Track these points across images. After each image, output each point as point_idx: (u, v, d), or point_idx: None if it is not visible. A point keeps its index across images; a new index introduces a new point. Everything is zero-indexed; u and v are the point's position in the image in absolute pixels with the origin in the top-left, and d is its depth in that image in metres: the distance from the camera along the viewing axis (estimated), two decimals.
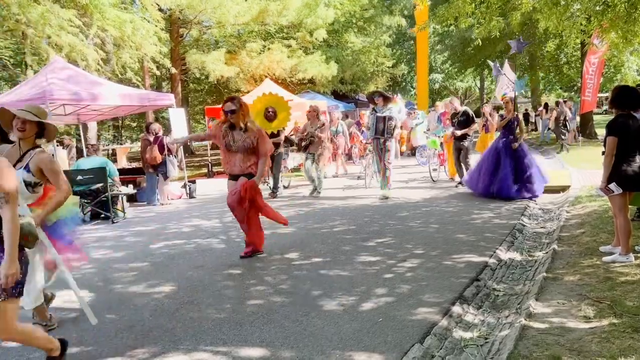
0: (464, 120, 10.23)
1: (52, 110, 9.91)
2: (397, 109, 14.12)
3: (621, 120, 4.75)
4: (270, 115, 9.76)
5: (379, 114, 9.27)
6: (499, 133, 9.30)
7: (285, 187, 11.79)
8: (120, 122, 31.42)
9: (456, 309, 3.93)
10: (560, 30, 9.28)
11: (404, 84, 40.68)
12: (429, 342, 3.33)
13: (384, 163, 9.45)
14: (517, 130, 8.88)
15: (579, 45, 17.28)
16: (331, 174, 13.77)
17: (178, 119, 11.88)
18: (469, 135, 10.42)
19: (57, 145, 12.39)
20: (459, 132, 10.13)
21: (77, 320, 4.08)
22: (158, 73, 19.75)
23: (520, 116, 11.65)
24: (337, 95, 27.54)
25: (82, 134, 14.80)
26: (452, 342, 3.41)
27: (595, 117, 22.52)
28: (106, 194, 9.01)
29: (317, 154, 10.49)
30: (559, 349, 3.08)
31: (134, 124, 32.88)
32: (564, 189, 9.29)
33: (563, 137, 17.23)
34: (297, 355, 3.23)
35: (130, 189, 10.20)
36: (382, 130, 9.27)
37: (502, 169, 8.57)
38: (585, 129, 20.09)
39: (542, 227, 6.89)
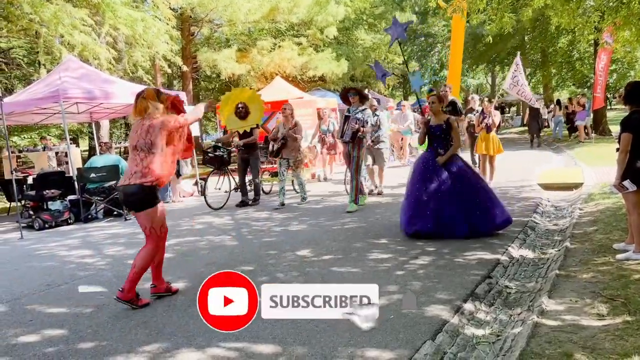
0: (449, 112, 8.62)
1: (66, 108, 10.02)
2: (403, 115, 13.84)
3: (636, 117, 4.71)
4: (241, 112, 8.76)
5: (348, 114, 8.10)
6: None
7: (265, 193, 10.93)
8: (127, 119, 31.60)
9: (468, 306, 3.92)
10: (572, 27, 9.18)
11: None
12: (440, 339, 3.33)
13: (352, 172, 8.19)
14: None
15: (592, 41, 17.11)
16: (322, 177, 12.83)
17: None
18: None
19: (71, 144, 12.53)
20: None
21: (92, 315, 4.13)
22: (169, 71, 19.88)
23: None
24: None
25: (94, 132, 14.94)
26: (463, 339, 3.41)
27: (609, 114, 22.32)
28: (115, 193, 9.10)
29: (292, 159, 9.15)
30: (571, 346, 3.07)
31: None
32: (576, 186, 9.22)
33: (537, 134, 18.82)
34: (309, 351, 3.25)
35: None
36: (351, 134, 7.99)
37: (444, 201, 5.99)
38: (598, 126, 19.90)
39: (554, 225, 6.85)
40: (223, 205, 9.40)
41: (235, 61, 20.01)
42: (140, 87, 12.12)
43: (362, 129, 7.92)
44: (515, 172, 11.43)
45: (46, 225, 8.65)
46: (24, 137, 21.39)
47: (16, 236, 7.91)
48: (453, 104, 9.13)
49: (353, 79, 26.15)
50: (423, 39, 37.26)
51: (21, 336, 3.76)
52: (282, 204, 8.99)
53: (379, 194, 9.62)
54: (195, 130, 12.01)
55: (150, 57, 16.86)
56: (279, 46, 21.33)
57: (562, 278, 4.38)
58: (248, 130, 9.08)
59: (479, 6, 8.88)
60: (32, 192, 9.36)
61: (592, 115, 19.71)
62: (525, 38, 25.56)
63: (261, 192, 10.17)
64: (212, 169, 10.26)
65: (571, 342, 3.12)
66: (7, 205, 11.32)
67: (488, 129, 9.42)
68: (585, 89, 29.19)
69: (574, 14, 8.23)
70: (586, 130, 18.76)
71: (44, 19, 12.90)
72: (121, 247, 6.74)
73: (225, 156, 9.83)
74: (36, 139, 20.28)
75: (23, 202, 9.51)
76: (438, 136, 6.33)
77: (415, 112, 15.50)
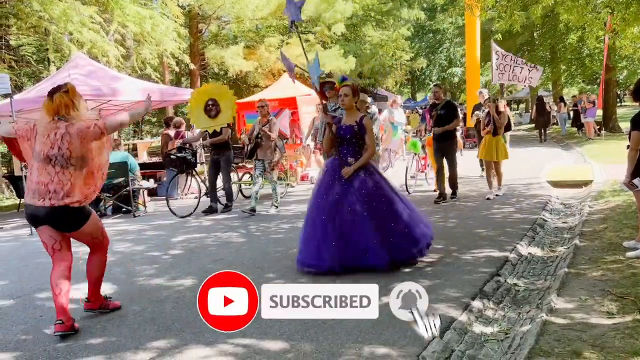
0: (444, 115, 8.13)
1: None
2: (397, 113, 13.27)
3: None
4: (211, 110, 8.09)
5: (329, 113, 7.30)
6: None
7: (246, 197, 9.99)
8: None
9: (476, 303, 3.91)
10: (582, 24, 9.09)
11: (422, 77, 40.41)
12: (448, 336, 3.32)
13: None
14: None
15: (602, 37, 16.97)
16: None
17: None
18: (454, 134, 8.63)
19: None
20: (439, 130, 8.12)
21: (101, 311, 4.15)
22: (177, 69, 19.93)
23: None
24: None
25: None
26: (472, 336, 3.40)
27: (619, 111, 22.15)
28: (127, 188, 9.14)
29: (267, 160, 8.26)
30: (581, 344, 3.05)
31: (154, 119, 33.21)
32: (586, 183, 9.15)
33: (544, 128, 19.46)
34: (317, 348, 3.25)
35: (151, 183, 10.33)
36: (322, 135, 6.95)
37: (354, 224, 4.75)
38: (609, 123, 19.75)
39: (563, 222, 6.81)
40: (191, 213, 8.54)
41: (243, 58, 20.02)
42: (149, 85, 12.21)
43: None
44: (524, 170, 11.37)
45: None
46: None
47: (26, 232, 7.97)
48: (448, 105, 8.34)
49: (361, 76, 26.07)
50: (431, 35, 37.16)
51: (31, 331, 3.79)
52: (253, 210, 8.02)
53: None
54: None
55: (158, 55, 16.91)
56: (287, 43, 21.31)
57: (572, 276, 4.35)
58: (218, 130, 8.33)
59: (488, 3, 8.82)
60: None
61: (600, 112, 19.61)
62: (535, 34, 25.38)
63: (238, 196, 9.50)
64: (174, 173, 9.44)
65: (580, 341, 3.11)
66: (17, 201, 11.40)
67: (494, 131, 8.41)
68: (595, 86, 28.98)
69: (584, 11, 8.16)
70: (593, 127, 18.67)
71: (53, 16, 12.97)
72: (130, 243, 6.77)
73: (190, 158, 8.93)
74: None
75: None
76: (348, 140, 4.93)
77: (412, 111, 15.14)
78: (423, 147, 9.76)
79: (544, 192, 8.66)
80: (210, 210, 8.57)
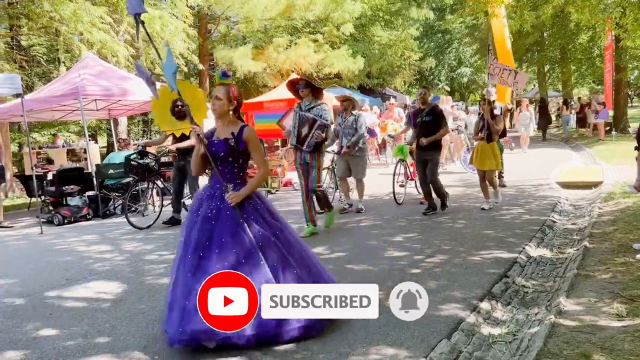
0: (431, 122, 7.30)
1: (85, 105, 10.16)
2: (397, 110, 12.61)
3: None
4: (179, 111, 7.36)
5: (302, 112, 6.39)
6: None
7: None
8: (149, 117, 31.97)
9: (484, 305, 3.90)
10: (593, 24, 9.01)
11: (431, 77, 40.28)
12: (456, 337, 3.32)
13: (307, 187, 6.50)
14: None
15: (613, 37, 16.85)
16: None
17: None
18: (440, 143, 7.65)
19: (90, 140, 12.70)
20: (424, 141, 7.27)
21: (110, 310, 4.18)
22: (186, 69, 20.00)
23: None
24: (364, 90, 27.43)
25: (112, 128, 15.11)
26: (480, 338, 3.39)
27: (630, 112, 21.99)
28: (137, 187, 9.18)
29: None
30: (590, 347, 3.03)
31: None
32: (596, 184, 9.09)
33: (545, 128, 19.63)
34: (324, 348, 3.25)
35: (160, 183, 10.37)
36: (304, 138, 6.33)
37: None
38: (619, 124, 19.60)
39: (572, 224, 6.76)
40: (152, 224, 7.81)
41: (251, 59, 20.04)
42: (158, 84, 12.24)
43: (322, 135, 6.36)
44: (533, 171, 11.32)
45: (65, 221, 8.76)
46: (44, 134, 21.72)
47: (36, 231, 8.03)
48: (434, 110, 7.38)
49: (369, 76, 26.04)
50: (440, 35, 37.04)
51: (41, 330, 3.82)
52: None
53: (358, 211, 7.92)
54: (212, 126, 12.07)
55: None
56: (295, 43, 21.32)
57: (581, 278, 4.32)
58: (187, 133, 7.56)
59: (498, 4, 8.78)
60: (52, 188, 9.50)
61: (611, 112, 19.54)
62: (545, 34, 25.24)
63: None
64: (134, 180, 8.51)
65: (589, 343, 3.09)
66: (28, 200, 11.50)
67: (488, 137, 7.61)
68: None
69: (595, 11, 8.10)
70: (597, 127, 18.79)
71: (63, 16, 13.06)
72: (139, 242, 6.81)
73: (152, 164, 8.18)
74: (51, 137, 20.59)
75: (43, 197, 9.64)
76: (222, 159, 3.63)
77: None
78: (411, 153, 8.61)
79: (553, 193, 8.61)
80: (172, 222, 7.77)
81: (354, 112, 7.78)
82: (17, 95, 9.83)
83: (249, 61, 19.71)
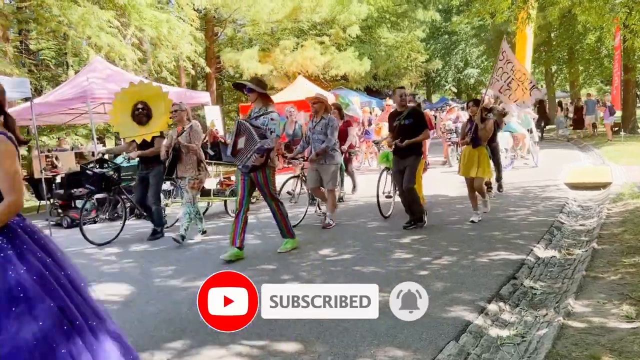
0: (410, 126, 6.49)
1: (93, 108, 10.24)
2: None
3: None
4: (140, 115, 6.82)
5: (241, 120, 5.78)
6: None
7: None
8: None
9: (492, 307, 3.88)
10: (600, 25, 8.95)
11: (438, 79, 40.22)
12: (464, 339, 3.31)
13: (241, 202, 5.69)
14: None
15: (620, 37, 16.77)
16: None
17: (213, 116, 12.07)
18: (421, 149, 6.81)
19: (98, 143, 12.78)
20: (404, 142, 6.45)
21: (118, 312, 4.20)
22: (193, 72, 20.12)
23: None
24: (370, 92, 27.47)
25: None
26: (488, 340, 3.38)
27: (638, 112, 21.87)
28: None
29: (189, 177, 6.58)
30: (599, 349, 3.01)
31: (170, 122, 33.55)
32: (604, 185, 9.03)
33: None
34: (331, 350, 3.26)
35: (167, 185, 10.41)
36: (239, 151, 5.52)
37: None
38: (628, 124, 19.50)
39: (581, 225, 6.72)
40: (112, 239, 7.05)
41: (258, 61, 20.15)
42: (166, 87, 12.32)
43: (261, 160, 5.46)
44: (540, 171, 11.26)
45: (74, 224, 8.82)
46: (53, 137, 21.88)
47: (45, 234, 8.08)
48: (415, 113, 6.63)
49: (376, 78, 26.09)
50: (447, 37, 36.99)
51: None
52: (182, 238, 6.50)
53: (326, 226, 7.04)
54: (219, 129, 12.08)
55: (174, 58, 17.09)
56: (302, 45, 21.39)
57: (589, 279, 4.30)
58: (149, 140, 6.89)
59: (503, 7, 8.74)
60: (61, 191, 9.55)
61: (620, 113, 19.50)
62: (552, 35, 25.14)
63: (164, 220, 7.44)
64: (90, 192, 7.59)
65: (598, 345, 3.07)
66: (37, 203, 11.59)
67: (475, 141, 6.88)
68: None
69: (602, 12, 8.05)
70: (601, 128, 18.88)
71: (72, 21, 13.19)
72: (147, 245, 6.84)
73: (112, 174, 7.39)
74: (57, 140, 20.72)
75: (52, 200, 9.71)
76: None
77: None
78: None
79: (561, 194, 8.56)
80: (155, 235, 7.16)
81: (324, 116, 6.95)
82: (27, 99, 9.92)
83: (255, 63, 19.81)
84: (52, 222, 8.45)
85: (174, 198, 7.80)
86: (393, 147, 6.72)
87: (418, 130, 6.49)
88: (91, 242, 6.80)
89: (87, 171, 7.37)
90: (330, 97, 15.58)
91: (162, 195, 7.72)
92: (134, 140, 7.04)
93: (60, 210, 9.39)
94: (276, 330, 3.61)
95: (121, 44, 14.41)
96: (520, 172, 11.46)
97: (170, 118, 6.83)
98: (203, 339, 3.56)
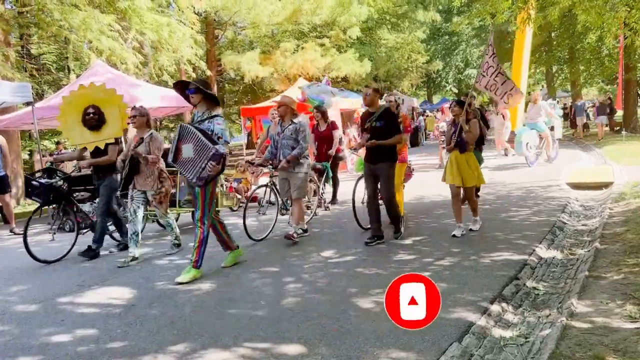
0: (383, 128, 5.95)
1: None
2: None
3: None
4: (91, 120, 6.21)
5: (184, 124, 5.19)
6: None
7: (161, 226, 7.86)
8: (158, 123, 32.19)
9: (495, 307, 3.88)
10: (600, 24, 8.92)
11: (438, 79, 40.24)
12: (467, 341, 3.30)
13: (202, 219, 5.17)
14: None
15: (618, 38, 16.77)
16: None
17: None
18: (395, 153, 6.13)
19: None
20: (374, 142, 5.92)
21: (121, 315, 4.21)
22: (194, 75, 20.14)
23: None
24: None
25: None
26: (491, 341, 3.37)
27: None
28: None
29: (150, 190, 6.09)
30: (602, 349, 3.01)
31: (172, 125, 33.62)
32: (606, 185, 9.02)
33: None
34: (334, 352, 3.26)
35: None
36: (185, 161, 5.01)
37: None
38: (629, 123, 19.48)
39: (583, 225, 6.71)
40: (62, 257, 6.46)
41: (259, 63, 20.17)
42: (167, 90, 12.35)
43: (217, 167, 4.94)
44: (541, 171, 11.25)
45: (80, 226, 8.79)
46: (54, 141, 21.95)
47: (48, 238, 8.10)
48: (387, 114, 6.04)
49: (376, 79, 26.11)
50: (447, 37, 37.02)
51: (53, 335, 3.86)
52: (134, 259, 6.01)
53: (290, 237, 6.35)
54: None
55: (175, 61, 17.12)
56: (302, 48, 21.43)
57: (592, 279, 4.29)
58: (102, 147, 6.33)
59: (504, 7, 8.72)
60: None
61: (621, 112, 19.55)
62: (552, 35, 25.14)
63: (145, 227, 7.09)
64: (37, 206, 6.91)
65: (602, 345, 3.06)
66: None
67: (461, 146, 6.25)
68: (615, 85, 28.58)
69: (602, 11, 8.03)
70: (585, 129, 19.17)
71: (73, 25, 13.21)
72: (149, 247, 6.84)
73: (61, 185, 6.72)
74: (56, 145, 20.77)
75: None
76: None
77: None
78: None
79: (563, 194, 8.55)
80: (123, 247, 6.72)
81: (294, 120, 6.52)
82: (28, 104, 9.95)
83: (256, 66, 19.84)
84: (54, 226, 8.46)
85: (124, 213, 6.99)
86: (364, 152, 6.24)
87: (391, 133, 5.96)
88: (35, 259, 6.12)
89: (33, 182, 6.65)
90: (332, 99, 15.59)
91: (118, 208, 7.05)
92: (85, 148, 6.50)
93: (62, 214, 9.37)
94: (279, 332, 3.61)
95: (122, 47, 14.43)
96: (521, 172, 11.45)
97: (128, 124, 6.29)
98: (206, 341, 3.56)
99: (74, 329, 3.95)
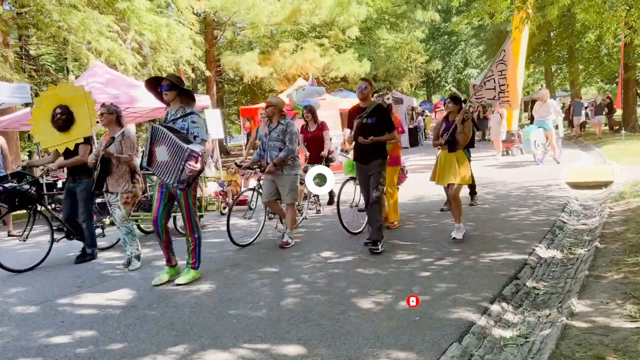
0: (375, 125, 5.71)
1: None
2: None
3: None
4: (60, 120, 5.95)
5: (156, 125, 4.98)
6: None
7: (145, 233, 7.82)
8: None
9: (495, 307, 3.87)
10: (599, 23, 8.91)
11: (438, 79, 40.25)
12: (467, 341, 3.30)
13: (155, 219, 5.12)
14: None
15: (619, 37, 16.77)
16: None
17: (214, 119, 12.07)
18: (385, 152, 5.89)
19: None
20: (367, 139, 5.62)
21: (120, 316, 4.20)
22: (193, 76, 20.15)
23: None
24: None
25: None
26: (491, 341, 3.37)
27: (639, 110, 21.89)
28: (146, 194, 9.20)
29: (121, 190, 5.73)
30: (603, 349, 3.00)
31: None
32: (606, 184, 9.02)
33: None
34: (334, 353, 3.25)
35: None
36: (161, 164, 4.83)
37: None
38: (629, 122, 19.49)
39: (583, 224, 6.71)
40: (37, 264, 6.25)
41: (258, 64, 20.17)
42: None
43: (196, 168, 4.70)
44: (541, 170, 11.25)
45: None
46: None
47: (47, 239, 8.08)
48: (379, 110, 5.83)
49: (376, 79, 26.10)
50: (446, 37, 37.03)
51: (53, 337, 3.85)
52: (138, 257, 5.87)
53: (284, 245, 6.26)
54: (219, 133, 12.12)
55: (174, 62, 17.12)
56: (301, 48, 21.43)
57: (592, 279, 4.29)
58: (72, 148, 6.07)
59: (502, 7, 8.71)
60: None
61: (620, 111, 19.62)
62: (551, 34, 25.14)
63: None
64: (6, 211, 6.70)
65: (602, 345, 3.06)
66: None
67: (451, 145, 6.04)
68: (614, 85, 28.61)
69: (601, 10, 8.02)
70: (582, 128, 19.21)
71: (71, 26, 13.21)
72: (148, 249, 6.83)
73: (30, 189, 6.41)
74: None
75: (53, 205, 9.70)
76: None
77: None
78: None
79: (563, 194, 8.55)
80: (84, 257, 6.43)
81: (282, 121, 6.33)
82: (27, 105, 9.93)
83: (255, 66, 19.84)
84: (53, 227, 8.45)
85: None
86: (353, 151, 6.02)
87: (383, 131, 5.70)
88: (5, 269, 5.84)
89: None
90: (331, 99, 15.59)
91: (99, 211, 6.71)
92: (57, 150, 6.23)
93: (33, 219, 9.37)
94: (278, 333, 3.61)
95: (121, 48, 14.43)
96: (521, 172, 11.45)
97: (98, 122, 6.03)
98: (205, 342, 3.55)
99: (73, 331, 3.94)
